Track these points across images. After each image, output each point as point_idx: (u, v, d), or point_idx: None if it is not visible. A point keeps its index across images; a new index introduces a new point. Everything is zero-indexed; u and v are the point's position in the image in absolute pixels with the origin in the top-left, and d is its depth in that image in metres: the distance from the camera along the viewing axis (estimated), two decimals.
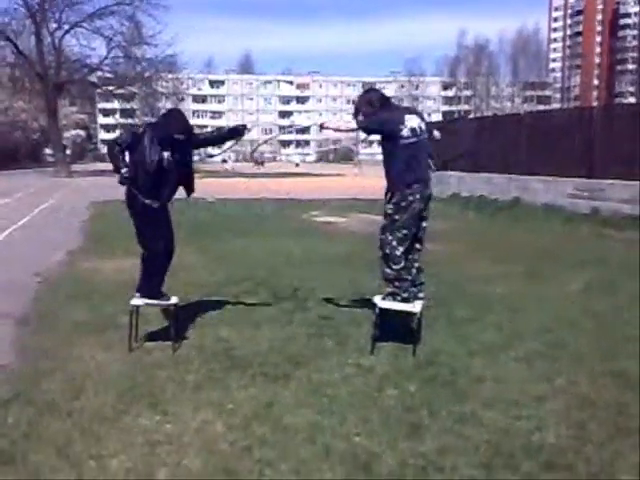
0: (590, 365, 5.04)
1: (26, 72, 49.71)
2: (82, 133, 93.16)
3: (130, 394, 4.40)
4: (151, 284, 5.55)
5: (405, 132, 5.28)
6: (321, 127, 5.62)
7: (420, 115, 5.55)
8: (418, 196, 5.30)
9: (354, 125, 5.55)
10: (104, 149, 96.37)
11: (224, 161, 64.83)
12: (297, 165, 70.79)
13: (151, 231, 5.45)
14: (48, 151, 69.23)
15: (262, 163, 70.69)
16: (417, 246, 5.52)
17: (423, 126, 5.41)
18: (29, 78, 50.55)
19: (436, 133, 5.71)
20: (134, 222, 5.49)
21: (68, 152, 63.19)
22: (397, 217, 5.30)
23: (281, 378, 4.71)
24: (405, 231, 5.33)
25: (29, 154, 70.70)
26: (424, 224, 5.50)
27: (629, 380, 4.71)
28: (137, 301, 5.51)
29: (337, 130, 5.86)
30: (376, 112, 5.43)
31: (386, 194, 5.44)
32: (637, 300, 6.93)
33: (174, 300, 5.60)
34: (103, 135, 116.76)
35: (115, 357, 5.20)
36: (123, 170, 5.23)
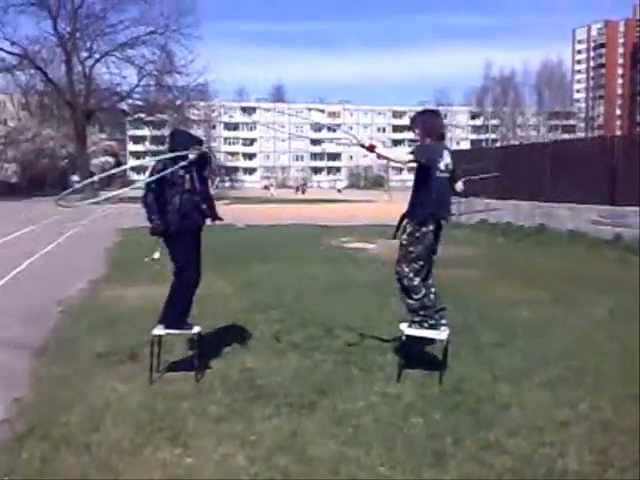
0: (613, 390, 5.04)
1: (55, 100, 50.51)
2: (111, 160, 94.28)
3: (150, 427, 4.35)
4: (180, 314, 5.52)
5: (442, 165, 5.36)
6: (370, 149, 5.40)
7: (452, 154, 5.60)
8: (432, 227, 5.36)
9: (405, 157, 5.46)
10: (133, 176, 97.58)
11: (266, 187, 65.34)
12: (340, 191, 71.36)
13: (188, 258, 5.49)
14: (75, 178, 70.10)
15: (304, 190, 71.58)
16: (430, 272, 5.58)
17: (451, 165, 5.47)
18: (58, 106, 51.33)
19: (460, 184, 5.71)
20: (170, 250, 5.52)
21: (96, 178, 63.84)
22: (412, 249, 5.38)
23: (306, 408, 4.68)
24: (421, 262, 5.40)
25: (56, 181, 71.47)
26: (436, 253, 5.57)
27: None
28: (159, 331, 5.49)
29: (386, 158, 5.76)
30: (424, 137, 5.46)
31: (401, 220, 5.50)
32: None
33: (197, 329, 5.56)
34: (132, 162, 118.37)
35: (136, 388, 5.15)
36: (154, 221, 5.36)
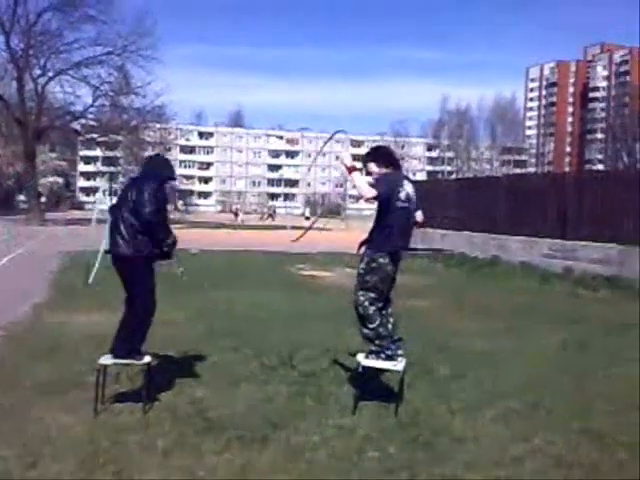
0: (566, 424, 5.06)
1: (4, 117, 49.48)
2: (60, 180, 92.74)
3: (93, 461, 4.14)
4: (133, 344, 5.28)
5: (402, 195, 5.36)
6: (351, 169, 5.36)
7: (413, 184, 5.58)
8: (388, 259, 5.34)
9: (373, 194, 5.29)
10: (82, 197, 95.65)
11: (235, 214, 65.29)
12: (307, 218, 71.97)
13: (147, 285, 5.30)
14: (22, 198, 68.33)
15: (271, 216, 71.73)
16: (389, 301, 5.56)
17: (414, 197, 5.47)
18: (7, 123, 50.26)
19: (419, 214, 5.68)
20: (129, 278, 5.28)
21: (43, 199, 62.38)
22: (368, 278, 5.36)
23: (258, 442, 4.53)
24: (377, 291, 5.38)
25: (1, 201, 69.79)
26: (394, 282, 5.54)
27: (603, 439, 4.74)
28: (106, 360, 5.26)
29: (357, 187, 5.65)
30: (381, 175, 5.46)
31: (359, 246, 5.49)
32: (610, 358, 7.17)
33: (147, 359, 5.34)
34: (82, 183, 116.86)
35: (79, 420, 4.90)
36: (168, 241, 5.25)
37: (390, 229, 5.33)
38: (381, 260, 5.31)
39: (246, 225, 52.83)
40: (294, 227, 40.80)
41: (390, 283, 5.48)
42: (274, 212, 77.84)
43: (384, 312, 5.46)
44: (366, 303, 5.36)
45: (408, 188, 5.45)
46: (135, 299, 5.30)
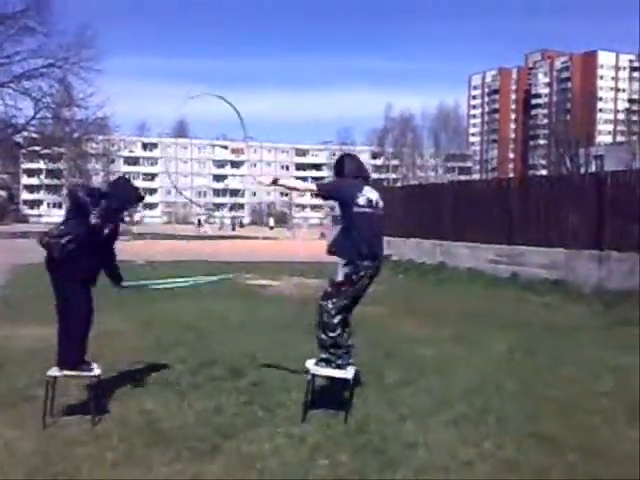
0: (515, 429, 5.11)
1: None
2: (3, 194, 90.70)
3: (41, 474, 4.08)
4: (76, 354, 5.22)
5: (361, 200, 5.30)
6: (274, 182, 5.46)
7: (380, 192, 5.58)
8: (370, 272, 5.31)
9: (313, 187, 5.52)
10: (26, 210, 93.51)
11: (199, 224, 64.98)
12: (271, 228, 72.36)
13: (79, 295, 5.21)
14: None
15: (241, 225, 72.42)
16: (351, 313, 5.53)
17: (381, 203, 5.44)
18: None
19: None
20: (59, 285, 5.20)
21: None
22: (344, 288, 5.29)
23: (208, 452, 4.51)
24: (347, 301, 5.35)
25: None
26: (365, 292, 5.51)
27: (553, 443, 4.80)
28: (54, 372, 5.19)
29: (293, 189, 5.73)
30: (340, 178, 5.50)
31: (329, 253, 5.44)
32: (557, 362, 7.23)
33: (97, 371, 5.29)
34: (26, 196, 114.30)
35: (27, 433, 4.83)
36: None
37: (353, 235, 5.26)
38: (362, 273, 5.25)
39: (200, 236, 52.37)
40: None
41: (361, 295, 5.46)
42: (241, 223, 78.61)
43: (345, 322, 5.42)
44: (333, 311, 5.28)
45: (370, 194, 5.38)
46: (66, 309, 5.21)
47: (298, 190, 5.53)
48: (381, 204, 5.46)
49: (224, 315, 10.46)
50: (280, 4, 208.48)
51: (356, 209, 5.28)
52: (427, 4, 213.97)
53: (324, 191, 5.57)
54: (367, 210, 5.32)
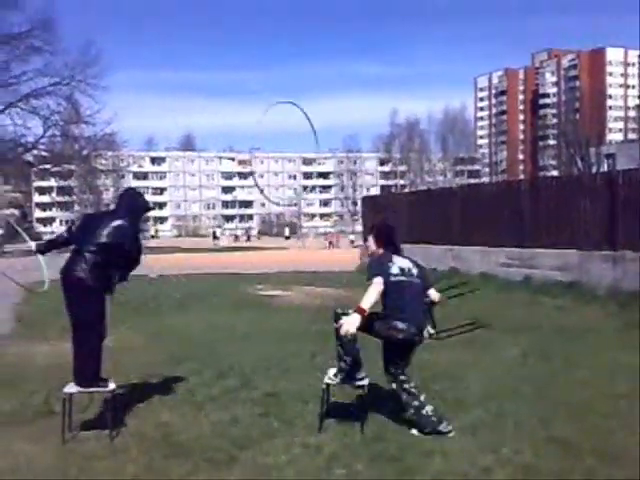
0: (532, 433, 5.09)
1: None
2: (16, 212, 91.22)
3: None
4: (92, 371, 5.27)
5: (394, 269, 5.27)
6: (361, 314, 5.11)
7: (414, 261, 5.52)
8: (405, 335, 5.23)
9: (374, 289, 5.16)
10: (40, 227, 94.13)
11: (215, 237, 65.14)
12: (287, 238, 72.45)
13: (97, 311, 5.27)
14: None
15: (249, 238, 73.17)
16: None
17: (415, 270, 5.39)
18: None
19: (433, 292, 5.74)
20: (77, 302, 5.25)
21: (1, 232, 61.45)
22: (383, 335, 5.26)
23: (225, 463, 4.53)
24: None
25: None
26: None
27: (570, 446, 4.76)
28: (71, 389, 5.25)
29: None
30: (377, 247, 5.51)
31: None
32: (571, 365, 7.16)
33: (112, 386, 5.34)
34: (39, 214, 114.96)
35: (47, 449, 4.87)
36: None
37: (392, 302, 5.21)
38: (400, 336, 5.20)
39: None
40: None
41: None
42: (253, 235, 79.10)
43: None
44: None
45: (401, 263, 5.36)
46: (83, 325, 5.26)
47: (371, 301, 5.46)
48: (415, 272, 5.39)
49: (236, 326, 10.46)
50: (281, 12, 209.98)
51: (391, 278, 5.21)
52: (427, 7, 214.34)
53: (372, 278, 5.25)
54: (401, 278, 5.27)
